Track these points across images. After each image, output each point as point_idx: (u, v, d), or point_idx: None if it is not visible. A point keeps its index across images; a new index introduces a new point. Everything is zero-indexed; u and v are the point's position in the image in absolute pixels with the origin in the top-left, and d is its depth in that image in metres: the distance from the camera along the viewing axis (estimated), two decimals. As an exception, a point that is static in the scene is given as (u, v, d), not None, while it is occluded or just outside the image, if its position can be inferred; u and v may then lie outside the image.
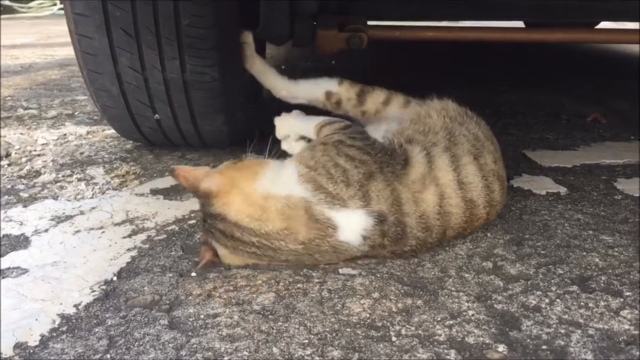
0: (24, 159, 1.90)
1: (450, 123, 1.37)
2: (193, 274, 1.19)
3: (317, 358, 0.93)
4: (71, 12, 1.44)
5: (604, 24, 3.84)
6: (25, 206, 1.53)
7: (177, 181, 1.21)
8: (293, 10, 1.88)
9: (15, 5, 9.21)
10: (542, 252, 1.28)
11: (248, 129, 1.80)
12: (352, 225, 1.14)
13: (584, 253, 1.27)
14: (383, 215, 1.15)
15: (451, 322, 1.03)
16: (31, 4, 9.55)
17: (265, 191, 1.14)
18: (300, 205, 1.13)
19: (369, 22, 1.95)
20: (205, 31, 1.47)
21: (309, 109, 1.61)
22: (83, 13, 1.44)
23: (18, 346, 0.97)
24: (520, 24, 3.83)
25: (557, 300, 1.09)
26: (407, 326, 1.02)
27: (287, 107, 1.64)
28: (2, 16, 8.10)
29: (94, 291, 1.13)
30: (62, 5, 1.57)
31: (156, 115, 1.66)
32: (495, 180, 1.30)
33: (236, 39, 1.69)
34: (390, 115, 1.53)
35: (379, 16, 2.32)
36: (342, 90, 1.57)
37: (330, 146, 1.24)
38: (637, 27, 2.14)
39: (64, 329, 1.01)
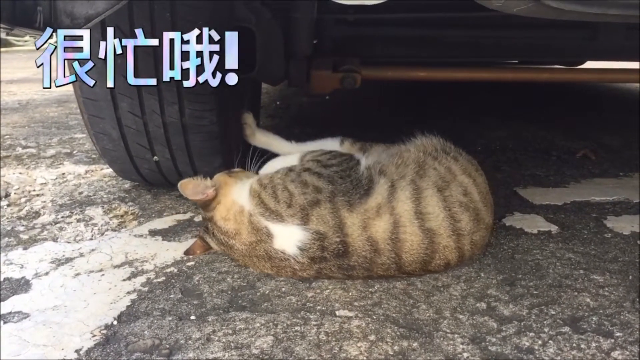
0: (23, 200, 1.92)
1: (423, 157, 1.46)
2: (192, 317, 1.21)
3: (316, 403, 0.95)
4: (73, 60, 1.48)
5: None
6: (25, 248, 1.55)
7: (184, 194, 1.44)
8: (288, 52, 1.94)
9: (11, 38, 9.31)
10: (535, 292, 1.31)
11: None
12: (287, 236, 1.33)
13: (576, 293, 1.30)
14: (321, 233, 1.30)
15: (446, 364, 1.05)
16: (27, 37, 9.66)
17: (234, 198, 1.41)
18: (246, 214, 1.37)
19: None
20: (203, 77, 1.51)
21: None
22: (85, 61, 1.48)
23: (21, 393, 0.98)
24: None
25: (550, 341, 1.12)
26: (403, 369, 1.04)
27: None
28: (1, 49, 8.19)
29: (94, 336, 1.15)
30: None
31: (155, 157, 1.69)
32: (462, 210, 1.36)
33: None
34: None
35: (373, 57, 2.38)
36: (344, 149, 1.65)
37: (292, 173, 1.43)
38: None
39: (66, 375, 1.03)
